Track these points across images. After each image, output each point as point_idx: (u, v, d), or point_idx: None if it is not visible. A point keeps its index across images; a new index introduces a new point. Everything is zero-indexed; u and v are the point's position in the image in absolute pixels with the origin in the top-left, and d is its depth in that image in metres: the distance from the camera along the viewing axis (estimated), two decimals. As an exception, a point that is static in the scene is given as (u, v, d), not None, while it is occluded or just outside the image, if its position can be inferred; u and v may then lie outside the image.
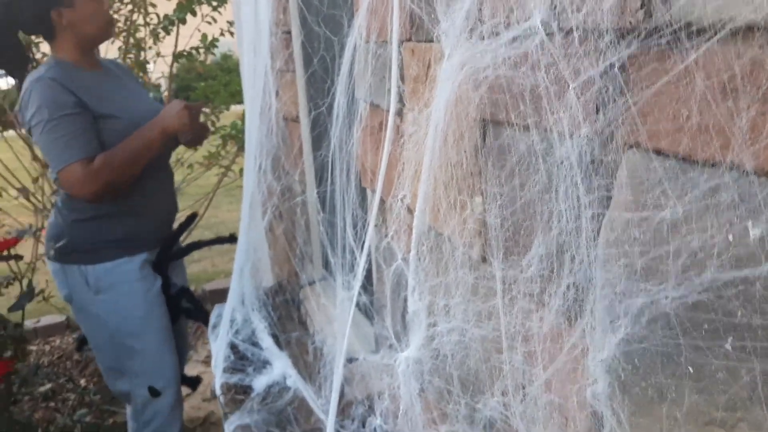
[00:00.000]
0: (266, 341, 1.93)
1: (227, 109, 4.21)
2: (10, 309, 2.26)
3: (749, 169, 0.43)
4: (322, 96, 1.50)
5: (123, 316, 2.04)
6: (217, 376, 1.90)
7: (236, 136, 3.93)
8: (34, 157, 3.48)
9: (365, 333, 1.48)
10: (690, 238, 0.48)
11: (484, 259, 0.78)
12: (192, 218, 2.37)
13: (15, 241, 2.42)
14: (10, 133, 4.08)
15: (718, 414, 0.51)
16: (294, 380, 1.72)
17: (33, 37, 2.93)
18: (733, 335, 0.46)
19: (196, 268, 5.71)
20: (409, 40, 1.05)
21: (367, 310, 1.36)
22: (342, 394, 1.49)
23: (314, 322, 1.83)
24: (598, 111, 0.56)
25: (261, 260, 2.35)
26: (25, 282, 2.53)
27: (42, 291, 3.24)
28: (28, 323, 4.46)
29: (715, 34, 0.44)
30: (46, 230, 2.17)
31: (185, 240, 2.53)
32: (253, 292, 2.16)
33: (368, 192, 1.33)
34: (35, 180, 3.43)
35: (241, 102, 3.91)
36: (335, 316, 1.39)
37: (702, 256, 0.48)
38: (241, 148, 3.93)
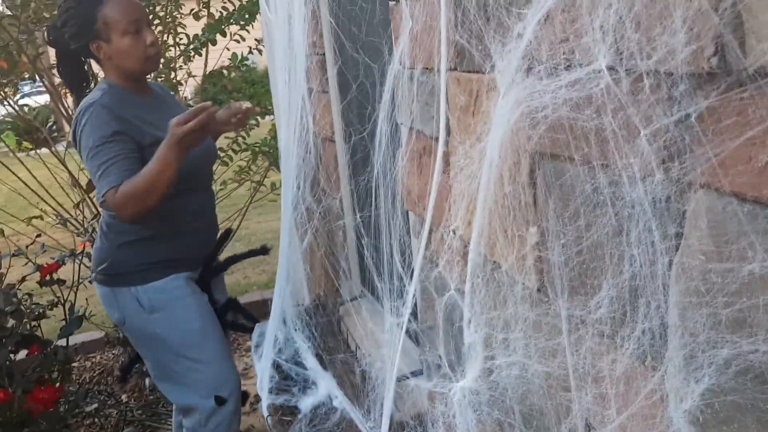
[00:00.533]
0: (310, 361, 1.95)
1: (256, 124, 4.24)
2: (60, 336, 2.31)
3: None
4: (363, 122, 1.51)
5: (182, 330, 2.07)
6: (263, 397, 1.92)
7: (267, 152, 3.97)
8: (75, 183, 3.55)
9: (413, 357, 1.48)
10: (780, 292, 0.48)
11: (546, 296, 0.78)
12: (227, 234, 2.41)
13: (57, 266, 2.48)
14: (43, 150, 4.18)
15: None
16: (341, 401, 1.72)
17: None
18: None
19: (228, 280, 5.74)
20: (455, 69, 1.05)
21: (416, 336, 1.36)
22: (392, 418, 1.49)
23: (360, 344, 1.84)
24: (673, 159, 0.56)
25: (297, 280, 2.37)
26: (67, 306, 2.58)
27: (85, 313, 3.31)
28: (70, 341, 4.56)
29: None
30: (93, 255, 2.21)
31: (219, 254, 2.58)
32: (294, 311, 2.18)
33: (410, 216, 1.33)
34: (76, 205, 3.50)
35: (268, 114, 3.95)
36: (384, 340, 1.39)
37: (794, 312, 0.47)
38: (272, 164, 3.97)
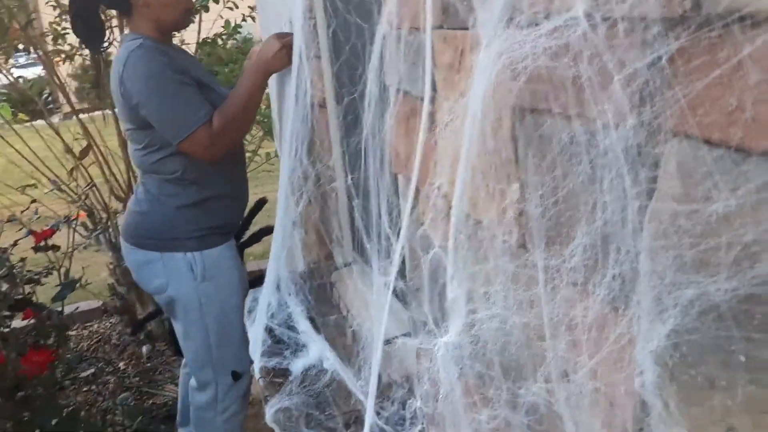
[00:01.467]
0: (303, 324, 1.97)
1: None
2: (54, 299, 2.33)
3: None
4: (355, 84, 1.50)
5: (222, 303, 2.08)
6: (255, 360, 1.94)
7: (261, 121, 3.96)
8: (68, 150, 3.55)
9: (401, 317, 1.50)
10: (743, 231, 0.48)
11: (524, 248, 0.79)
12: (262, 203, 2.41)
13: (51, 232, 2.50)
14: (39, 122, 4.16)
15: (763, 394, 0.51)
16: (331, 363, 1.75)
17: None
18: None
19: (225, 251, 5.80)
20: (441, 27, 1.05)
21: (403, 296, 1.38)
22: (380, 377, 1.51)
23: (351, 306, 1.86)
24: (644, 103, 0.56)
25: (298, 246, 2.39)
26: (62, 271, 2.61)
27: (80, 279, 3.33)
28: (67, 309, 4.60)
29: (769, 26, 0.44)
30: (131, 219, 2.14)
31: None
32: (290, 276, 2.20)
33: (399, 178, 1.33)
34: (70, 172, 3.50)
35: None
36: (372, 301, 1.41)
37: (756, 249, 0.48)
38: (266, 133, 3.96)
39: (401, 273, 1.27)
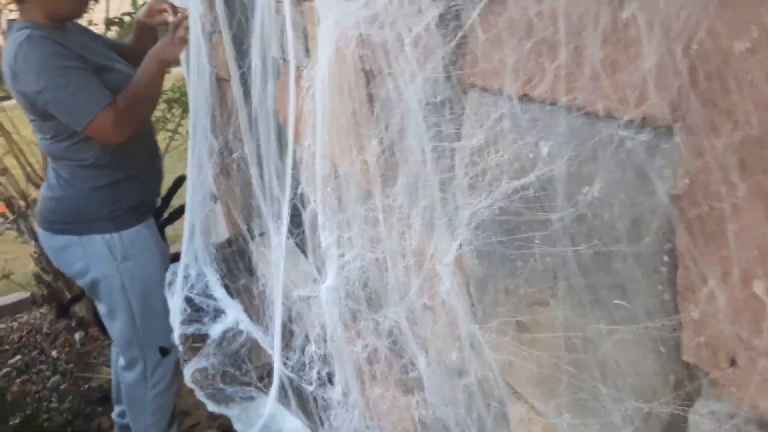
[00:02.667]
0: (219, 292, 2.06)
1: (168, 72, 4.20)
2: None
3: (515, 97, 0.55)
4: (243, 57, 1.58)
5: (145, 281, 2.11)
6: (175, 329, 2.03)
7: (179, 98, 3.95)
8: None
9: (304, 270, 1.61)
10: (490, 158, 0.61)
11: (369, 193, 0.91)
12: (181, 181, 2.44)
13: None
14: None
15: (533, 291, 0.65)
16: (246, 324, 1.85)
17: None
18: (522, 229, 0.60)
19: (157, 234, 5.78)
20: (306, 0, 1.14)
21: (305, 249, 1.48)
22: (290, 332, 1.63)
23: (257, 269, 1.96)
24: (426, 61, 0.68)
25: (209, 218, 2.46)
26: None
27: (2, 269, 3.29)
28: (-6, 303, 4.51)
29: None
30: (45, 205, 2.14)
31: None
32: (205, 248, 2.27)
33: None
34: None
35: (179, 63, 3.92)
36: (272, 260, 1.51)
37: (498, 172, 0.61)
38: (185, 111, 3.96)
39: (291, 231, 1.38)
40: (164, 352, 2.21)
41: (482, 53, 0.59)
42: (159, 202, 2.40)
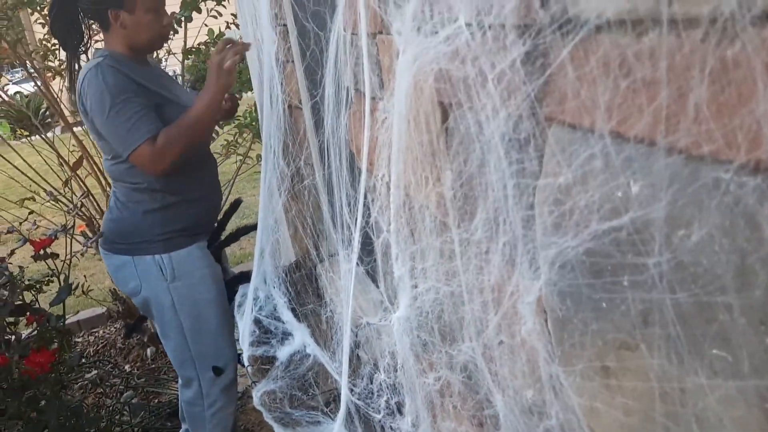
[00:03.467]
0: (286, 315, 2.09)
1: (240, 97, 4.35)
2: (51, 303, 2.45)
3: (608, 136, 0.54)
4: (316, 87, 1.62)
5: (196, 301, 2.18)
6: (244, 350, 2.06)
7: (250, 124, 4.07)
8: (62, 162, 3.67)
9: (374, 298, 1.62)
10: (579, 197, 0.60)
11: (445, 226, 0.90)
12: (237, 204, 2.52)
13: (50, 240, 2.61)
14: (38, 137, 4.28)
15: (621, 336, 0.62)
16: (313, 348, 1.87)
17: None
18: (612, 272, 0.58)
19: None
20: (381, 32, 1.16)
21: (375, 277, 1.49)
22: (357, 357, 1.63)
23: (325, 293, 1.98)
24: (510, 97, 0.67)
25: (279, 242, 2.50)
26: (62, 278, 2.72)
27: (82, 285, 3.44)
28: (73, 318, 4.73)
29: (581, 30, 0.55)
30: (105, 226, 2.27)
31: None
32: (274, 270, 2.32)
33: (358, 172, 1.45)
34: (65, 183, 3.62)
35: (252, 89, 4.06)
36: (341, 287, 1.52)
37: (587, 212, 0.59)
38: (255, 136, 4.08)
39: (362, 258, 1.38)
40: (218, 371, 2.24)
41: (572, 91, 0.58)
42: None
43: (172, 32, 3.85)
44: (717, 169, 0.45)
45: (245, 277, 2.35)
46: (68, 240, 3.53)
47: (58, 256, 2.65)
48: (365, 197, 1.21)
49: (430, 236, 0.96)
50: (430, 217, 0.95)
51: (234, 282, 2.35)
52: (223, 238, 2.39)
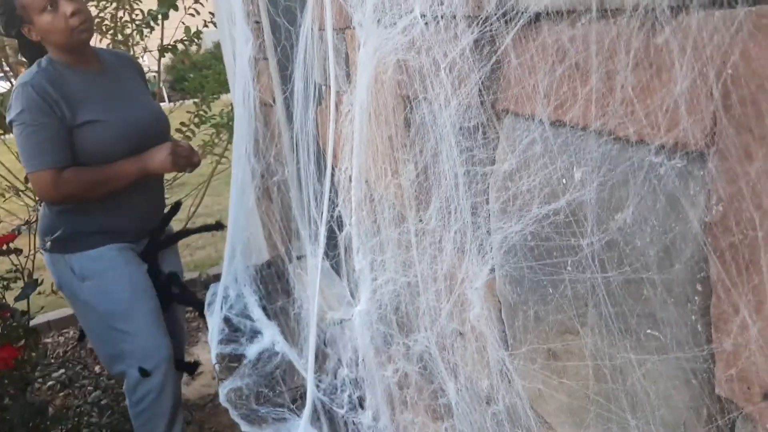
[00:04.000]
0: (256, 313, 2.08)
1: (217, 98, 4.33)
2: (17, 299, 2.41)
3: (546, 122, 0.55)
4: (286, 82, 1.62)
5: (110, 300, 2.14)
6: (212, 348, 2.05)
7: (227, 124, 4.06)
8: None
9: (338, 292, 1.62)
10: (522, 182, 0.61)
11: (403, 217, 0.92)
12: (176, 207, 2.49)
13: (12, 236, 2.57)
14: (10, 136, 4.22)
15: (563, 318, 0.64)
16: (281, 346, 1.86)
17: None
18: (553, 255, 0.59)
19: (200, 254, 5.90)
20: (349, 27, 1.17)
21: (340, 272, 1.49)
22: (323, 354, 1.63)
23: (294, 291, 1.98)
24: (461, 85, 0.69)
25: (251, 240, 2.50)
26: (26, 274, 2.68)
27: (52, 285, 3.39)
28: (42, 318, 4.65)
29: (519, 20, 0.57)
30: (38, 222, 2.29)
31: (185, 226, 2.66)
32: (245, 269, 2.31)
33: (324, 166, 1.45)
34: (25, 178, 3.58)
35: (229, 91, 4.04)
36: (307, 282, 1.53)
37: (529, 197, 0.60)
38: (232, 136, 4.06)
39: (327, 253, 1.39)
40: (144, 373, 2.17)
41: (515, 78, 0.60)
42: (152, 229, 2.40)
43: (147, 29, 3.83)
44: (642, 149, 0.47)
45: (174, 278, 2.31)
46: (31, 236, 3.49)
47: (21, 251, 2.61)
48: (330, 191, 1.22)
49: (389, 228, 0.97)
50: (389, 208, 0.96)
51: (167, 284, 2.28)
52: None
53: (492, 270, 0.68)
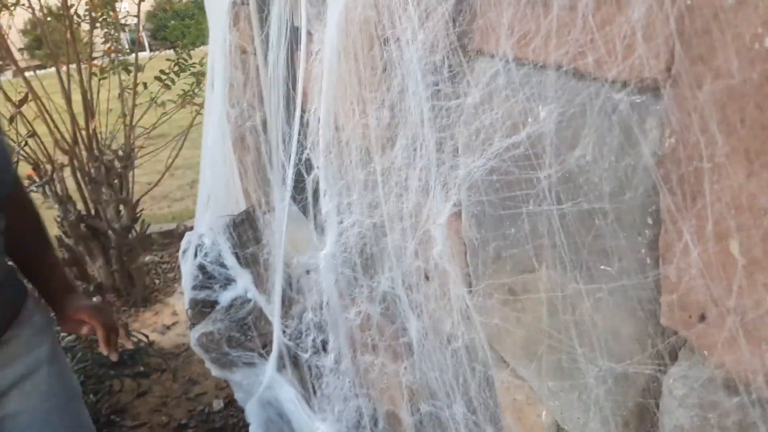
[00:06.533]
0: (230, 261, 2.08)
1: (195, 47, 4.23)
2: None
3: (509, 54, 0.55)
4: (262, 26, 1.59)
5: None
6: (186, 294, 2.05)
7: (206, 73, 3.97)
8: (8, 99, 3.53)
9: (307, 237, 1.62)
10: (485, 116, 0.61)
11: (370, 158, 0.91)
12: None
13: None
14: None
15: (521, 252, 0.64)
16: (254, 293, 1.87)
17: None
18: (513, 189, 0.59)
19: (178, 206, 5.85)
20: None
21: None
22: (291, 300, 1.64)
23: (263, 237, 1.98)
24: (428, 18, 0.67)
25: (228, 188, 2.48)
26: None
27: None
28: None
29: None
30: None
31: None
32: (219, 217, 2.30)
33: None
34: (10, 120, 3.50)
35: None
36: (275, 227, 1.52)
37: (491, 131, 0.60)
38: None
39: (294, 197, 1.38)
40: None
41: (481, 10, 0.59)
42: None
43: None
44: (599, 80, 0.47)
45: None
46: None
47: None
48: (299, 134, 1.21)
49: (356, 169, 0.96)
50: (356, 149, 0.95)
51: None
52: None
53: (455, 205, 0.68)
